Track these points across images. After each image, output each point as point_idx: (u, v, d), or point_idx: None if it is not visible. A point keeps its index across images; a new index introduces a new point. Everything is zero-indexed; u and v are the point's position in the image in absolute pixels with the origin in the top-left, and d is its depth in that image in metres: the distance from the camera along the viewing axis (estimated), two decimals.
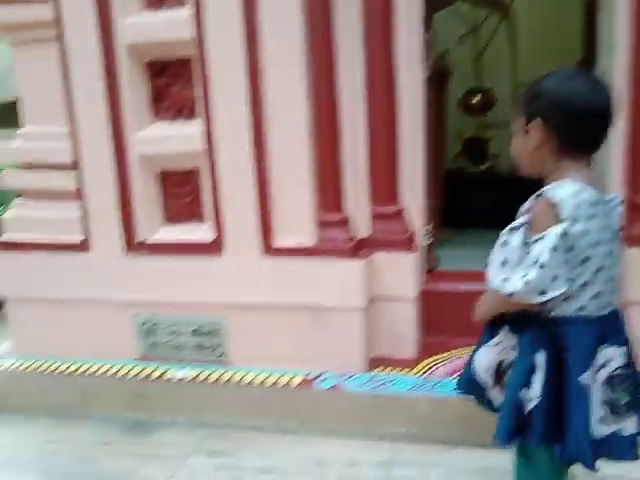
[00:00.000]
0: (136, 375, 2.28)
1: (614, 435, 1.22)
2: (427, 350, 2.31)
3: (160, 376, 2.26)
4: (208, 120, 2.10)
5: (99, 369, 2.34)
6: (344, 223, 2.15)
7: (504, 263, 1.21)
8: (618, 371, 1.22)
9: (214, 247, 2.20)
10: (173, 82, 2.16)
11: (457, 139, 4.39)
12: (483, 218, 3.46)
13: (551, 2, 4.02)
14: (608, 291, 1.23)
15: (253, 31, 2.01)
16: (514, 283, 1.17)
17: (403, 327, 2.24)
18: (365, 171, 2.19)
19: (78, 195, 2.27)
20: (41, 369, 2.37)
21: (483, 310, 1.37)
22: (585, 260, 1.18)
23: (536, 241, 1.16)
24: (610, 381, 1.21)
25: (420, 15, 2.12)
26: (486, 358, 1.38)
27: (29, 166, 2.34)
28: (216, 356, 2.30)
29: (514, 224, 1.23)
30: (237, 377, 2.21)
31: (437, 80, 2.59)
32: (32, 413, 2.34)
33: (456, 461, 1.94)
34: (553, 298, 1.16)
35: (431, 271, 2.51)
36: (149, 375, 2.27)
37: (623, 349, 1.24)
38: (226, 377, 2.22)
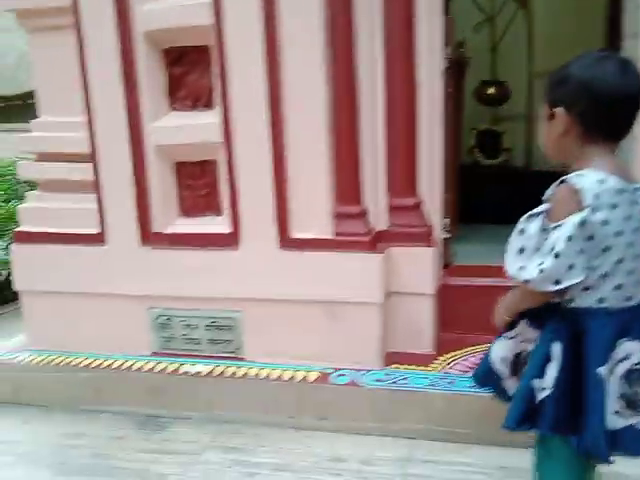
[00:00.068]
0: (151, 369, 2.26)
1: (630, 428, 1.20)
2: (444, 346, 2.28)
3: (175, 371, 2.24)
4: (225, 110, 2.07)
5: (113, 363, 2.32)
6: (362, 215, 2.12)
7: (521, 251, 1.19)
8: (638, 366, 1.19)
9: (230, 240, 2.17)
10: (190, 70, 2.13)
11: (470, 132, 4.33)
12: (497, 214, 3.42)
13: None
14: (631, 283, 1.20)
15: (272, 17, 1.97)
16: (530, 271, 1.15)
17: (420, 323, 2.21)
18: (383, 162, 2.15)
19: (94, 187, 2.25)
20: (55, 363, 2.36)
21: (504, 308, 1.33)
22: (606, 250, 1.15)
23: (554, 229, 1.14)
24: (629, 375, 1.19)
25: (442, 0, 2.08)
26: (502, 349, 1.38)
27: (44, 157, 2.31)
28: (231, 351, 2.27)
29: (533, 211, 1.20)
30: (252, 372, 2.19)
31: (455, 70, 2.53)
32: (46, 407, 2.34)
33: (474, 459, 1.90)
34: (568, 287, 1.14)
35: (448, 266, 2.47)
36: (164, 369, 2.25)
37: None
38: (241, 372, 2.19)
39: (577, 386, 1.18)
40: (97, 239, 2.29)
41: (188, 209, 2.27)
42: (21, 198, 4.29)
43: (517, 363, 1.35)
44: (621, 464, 1.27)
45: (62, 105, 2.26)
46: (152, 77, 2.13)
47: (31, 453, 2.06)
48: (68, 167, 2.29)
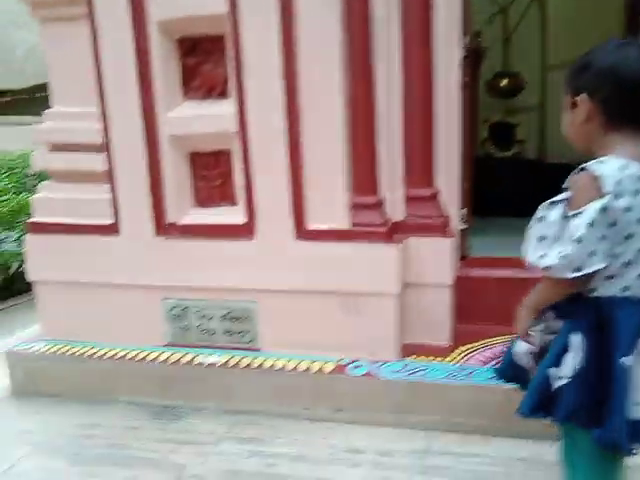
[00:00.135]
0: (165, 360, 2.26)
1: None
2: (461, 338, 2.26)
3: (189, 361, 2.23)
4: (240, 99, 2.05)
5: (128, 354, 2.32)
6: (378, 206, 2.10)
7: (541, 238, 1.17)
8: None
9: (245, 230, 2.15)
10: (204, 60, 2.11)
11: (483, 124, 4.30)
12: (509, 206, 3.40)
13: None
14: None
15: (288, 5, 1.95)
16: (551, 258, 1.13)
17: (438, 314, 2.19)
18: (400, 152, 2.12)
19: (107, 177, 2.24)
20: (70, 353, 2.36)
21: (528, 308, 1.31)
22: (628, 237, 1.13)
23: (575, 216, 1.11)
24: None
25: None
26: (528, 335, 1.34)
27: (57, 147, 2.30)
28: (246, 342, 2.26)
29: (554, 199, 1.18)
30: (268, 363, 2.18)
31: (472, 60, 2.50)
32: (61, 397, 2.34)
33: (492, 451, 1.89)
34: (590, 275, 1.12)
35: (464, 257, 2.45)
36: (178, 360, 2.24)
37: None
38: (257, 363, 2.18)
39: (599, 377, 1.16)
40: (111, 230, 2.28)
41: (202, 199, 2.25)
42: (30, 190, 4.32)
43: (543, 356, 1.33)
44: None
45: (75, 95, 2.25)
46: (166, 67, 2.12)
47: (46, 443, 2.06)
48: (81, 157, 2.28)
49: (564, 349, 1.19)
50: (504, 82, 4.15)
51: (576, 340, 1.18)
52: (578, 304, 1.20)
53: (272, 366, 2.16)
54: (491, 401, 1.94)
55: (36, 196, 2.43)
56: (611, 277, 1.15)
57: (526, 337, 1.30)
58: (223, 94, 2.12)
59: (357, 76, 2.00)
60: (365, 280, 2.09)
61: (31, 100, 8.32)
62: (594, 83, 1.16)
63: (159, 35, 2.07)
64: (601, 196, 1.09)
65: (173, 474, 1.85)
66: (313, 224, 2.11)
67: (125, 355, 2.31)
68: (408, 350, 2.18)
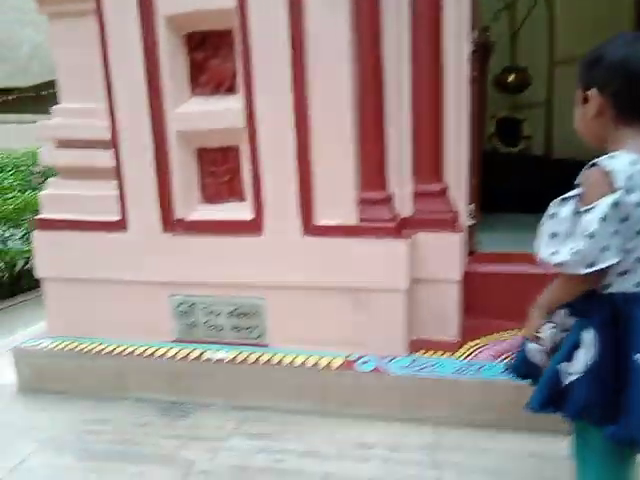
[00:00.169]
0: (173, 356, 2.25)
1: None
2: (469, 333, 2.25)
3: (197, 357, 2.23)
4: (248, 95, 2.04)
5: (135, 350, 2.31)
6: (387, 201, 2.09)
7: (553, 235, 1.16)
8: None
9: (253, 226, 2.15)
10: (212, 55, 2.11)
11: (490, 119, 4.28)
12: (516, 202, 3.39)
13: None
14: None
15: (297, 0, 1.94)
16: (563, 254, 1.12)
17: (446, 309, 2.18)
18: (408, 147, 2.11)
19: (115, 173, 2.23)
20: (77, 350, 2.36)
21: (541, 308, 1.30)
22: None
23: (586, 211, 1.11)
24: None
25: None
26: (541, 334, 1.33)
27: (64, 144, 2.30)
28: (254, 337, 2.26)
29: (565, 195, 1.17)
30: (276, 359, 2.17)
31: (480, 55, 2.49)
32: (68, 394, 2.34)
33: (503, 446, 1.88)
34: (602, 270, 1.11)
35: (472, 253, 2.44)
36: (186, 356, 2.24)
37: None
38: (265, 359, 2.18)
39: (613, 373, 1.15)
40: (118, 226, 2.28)
41: (210, 196, 2.25)
42: (35, 188, 4.33)
43: (555, 351, 1.32)
44: None
45: (83, 92, 2.25)
46: (174, 62, 2.11)
47: (54, 439, 2.06)
48: (89, 154, 2.28)
49: (576, 345, 1.18)
50: (511, 77, 4.13)
51: (588, 336, 1.17)
52: (592, 301, 1.19)
53: (280, 362, 2.16)
54: (500, 396, 1.94)
55: (43, 193, 2.43)
56: (624, 273, 1.14)
57: (536, 339, 1.29)
58: (231, 89, 2.12)
59: (366, 71, 1.99)
60: (373, 276, 2.08)
61: (37, 98, 8.37)
62: (605, 77, 1.15)
63: (167, 30, 2.06)
64: (613, 191, 1.09)
65: (182, 470, 1.84)
66: (321, 220, 2.10)
67: (133, 351, 2.31)
68: (416, 345, 2.17)
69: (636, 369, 1.12)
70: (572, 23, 3.96)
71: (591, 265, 1.10)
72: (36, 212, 3.87)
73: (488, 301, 2.30)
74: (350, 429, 2.02)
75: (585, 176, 1.15)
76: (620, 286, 1.15)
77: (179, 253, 2.23)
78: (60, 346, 2.39)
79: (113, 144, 2.21)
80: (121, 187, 2.24)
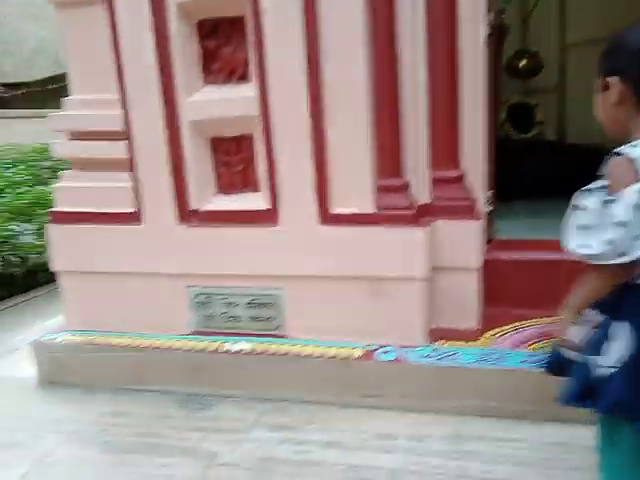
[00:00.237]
0: (192, 348, 2.24)
1: None
2: (489, 321, 2.23)
3: (216, 349, 2.22)
4: (262, 82, 2.01)
5: (153, 342, 2.30)
6: (404, 189, 2.06)
7: (582, 227, 1.13)
8: None
9: (269, 216, 2.13)
10: (224, 43, 2.07)
11: (502, 105, 4.23)
12: (529, 189, 3.34)
13: None
14: None
15: None
16: (593, 246, 1.09)
17: (466, 298, 2.16)
18: (425, 134, 2.08)
19: (129, 165, 2.21)
20: (95, 343, 2.35)
21: (572, 306, 1.26)
22: None
23: (614, 201, 1.08)
24: None
25: None
26: (572, 335, 1.30)
27: (77, 136, 2.28)
28: (272, 328, 2.24)
29: (590, 186, 1.14)
30: (295, 350, 2.16)
31: (496, 38, 2.44)
32: (87, 387, 2.34)
33: (527, 435, 1.86)
34: (635, 260, 1.07)
35: (490, 240, 2.41)
36: (204, 348, 2.23)
37: None
38: (284, 350, 2.17)
39: None
40: (133, 218, 2.27)
41: (225, 186, 2.23)
42: (45, 183, 4.33)
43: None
44: None
45: (94, 82, 2.22)
46: (186, 51, 2.08)
47: (76, 432, 2.06)
48: (102, 145, 2.26)
49: (606, 337, 1.16)
50: (523, 62, 4.06)
51: (622, 329, 1.14)
52: (624, 294, 1.16)
53: (299, 353, 2.14)
54: (524, 385, 1.91)
55: (57, 185, 2.42)
56: None
57: (569, 343, 1.25)
58: (244, 77, 2.09)
59: (382, 56, 1.95)
60: (392, 264, 2.05)
61: (43, 93, 8.36)
62: (626, 64, 1.13)
63: (178, 18, 2.03)
64: (638, 179, 1.06)
65: (204, 462, 1.84)
66: (338, 208, 2.08)
67: (151, 344, 2.30)
68: (436, 334, 2.15)
69: None
70: (584, 5, 3.89)
71: (622, 255, 1.07)
72: (47, 207, 3.89)
73: (508, 288, 2.27)
74: (371, 420, 2.00)
75: (610, 166, 1.12)
76: None
77: (195, 244, 2.21)
78: (78, 339, 2.39)
79: (126, 135, 2.19)
80: (135, 178, 2.22)
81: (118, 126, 2.19)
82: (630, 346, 1.12)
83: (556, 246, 2.27)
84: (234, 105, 2.08)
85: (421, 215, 2.09)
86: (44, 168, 4.61)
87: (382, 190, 2.06)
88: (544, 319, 2.19)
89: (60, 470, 1.85)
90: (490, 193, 2.32)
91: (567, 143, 4.17)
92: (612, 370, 1.13)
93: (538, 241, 2.42)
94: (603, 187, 1.12)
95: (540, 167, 3.71)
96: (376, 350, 2.11)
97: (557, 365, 1.35)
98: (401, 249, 2.04)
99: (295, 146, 2.04)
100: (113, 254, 2.31)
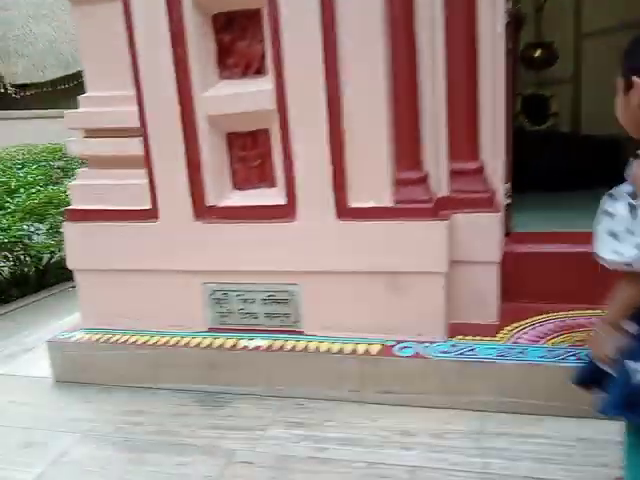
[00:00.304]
0: (208, 345, 2.23)
1: None
2: (507, 316, 2.19)
3: (233, 346, 2.20)
4: (278, 76, 1.98)
5: (170, 340, 2.29)
6: (423, 181, 2.03)
7: (612, 233, 1.09)
8: None
9: (286, 211, 2.10)
10: (240, 36, 2.05)
11: (516, 97, 4.17)
12: (544, 181, 3.30)
13: None
14: None
15: None
16: (627, 253, 1.06)
17: (485, 292, 2.12)
18: (444, 125, 2.04)
19: (145, 161, 2.20)
20: (112, 341, 2.35)
21: (611, 316, 1.22)
22: None
23: None
24: None
25: None
26: (609, 348, 1.25)
27: (91, 133, 2.27)
28: (289, 324, 2.22)
29: (614, 190, 1.11)
30: (312, 346, 2.13)
31: (513, 27, 2.40)
32: (104, 385, 2.34)
33: (549, 431, 1.83)
34: None
35: (508, 234, 2.37)
36: (221, 345, 2.21)
37: None
38: (301, 346, 2.14)
39: None
40: (149, 215, 2.25)
41: (241, 181, 2.20)
42: (56, 183, 4.34)
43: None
44: None
45: (109, 79, 2.21)
46: (201, 45, 2.06)
47: (94, 431, 2.05)
48: (117, 142, 2.25)
49: None
50: (537, 53, 4.01)
51: None
52: None
53: (317, 349, 2.12)
54: (545, 380, 1.88)
55: (73, 183, 2.41)
56: None
57: (606, 356, 1.21)
58: (260, 71, 2.06)
59: (400, 47, 1.92)
60: (411, 259, 2.02)
61: (54, 93, 8.39)
62: None
63: (193, 11, 2.00)
64: None
65: (224, 460, 1.82)
66: (356, 202, 2.05)
67: (167, 341, 2.29)
68: (454, 330, 2.12)
69: None
70: None
71: None
72: (59, 207, 3.91)
73: (527, 282, 2.24)
74: (391, 417, 1.97)
75: (635, 169, 1.08)
76: None
77: (211, 240, 2.19)
78: (94, 338, 2.39)
79: (142, 131, 2.17)
80: (151, 175, 2.21)
81: (133, 123, 2.17)
82: None
83: (576, 238, 2.26)
84: (250, 99, 2.05)
85: (440, 208, 2.05)
86: (55, 168, 4.62)
87: (401, 183, 2.03)
88: (563, 313, 2.16)
89: (76, 469, 1.84)
90: (508, 185, 2.28)
91: (582, 134, 4.12)
92: None
93: (557, 233, 2.38)
94: (629, 193, 1.08)
95: (555, 159, 3.66)
96: (394, 346, 2.08)
97: (590, 378, 1.31)
98: (420, 243, 2.01)
99: (312, 140, 2.02)
100: (129, 251, 2.30)
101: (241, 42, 2.05)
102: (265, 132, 2.11)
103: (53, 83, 8.51)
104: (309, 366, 2.11)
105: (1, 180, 3.99)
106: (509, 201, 2.31)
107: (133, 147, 2.20)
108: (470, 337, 2.10)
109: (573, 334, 2.06)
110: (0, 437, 2.06)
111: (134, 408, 2.17)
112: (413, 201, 2.00)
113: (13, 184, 3.98)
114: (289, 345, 2.16)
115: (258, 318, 2.25)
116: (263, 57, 2.04)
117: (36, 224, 4.01)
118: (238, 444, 1.90)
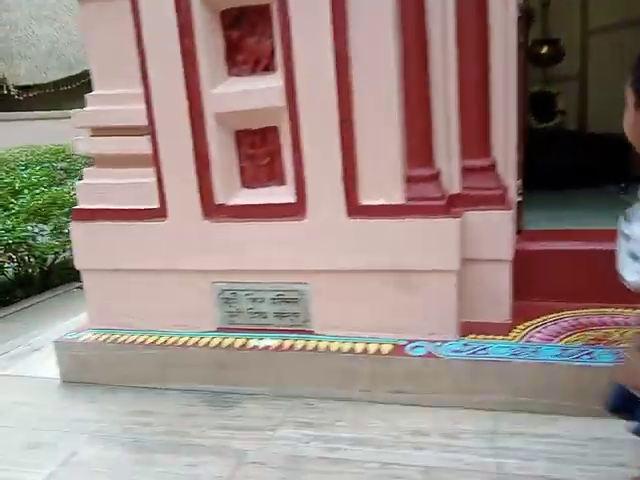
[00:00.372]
0: (217, 345, 2.20)
1: None
2: (519, 314, 2.17)
3: (242, 346, 2.18)
4: (288, 73, 1.96)
5: (178, 340, 2.27)
6: (435, 178, 2.00)
7: (632, 255, 1.07)
8: None
9: (295, 210, 2.08)
10: (249, 33, 2.02)
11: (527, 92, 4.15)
12: (551, 179, 3.27)
13: None
14: None
15: None
16: None
17: (497, 290, 2.09)
18: (455, 121, 2.02)
19: (152, 160, 2.18)
20: (119, 341, 2.33)
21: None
22: None
23: None
24: None
25: None
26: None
27: (100, 132, 2.25)
28: (299, 324, 2.20)
29: (629, 212, 1.09)
30: (322, 345, 2.11)
31: (523, 22, 2.37)
32: (112, 385, 2.31)
33: (563, 430, 1.80)
34: None
35: (520, 231, 2.35)
36: (230, 345, 2.19)
37: None
38: (311, 345, 2.12)
39: None
40: (158, 214, 2.23)
41: (250, 179, 2.18)
42: (60, 184, 4.33)
43: None
44: None
45: (117, 77, 2.19)
46: (209, 42, 2.04)
47: (102, 431, 2.03)
48: (125, 140, 2.23)
49: None
50: (544, 49, 3.98)
51: None
52: None
53: (327, 348, 2.10)
54: (559, 379, 1.86)
55: (80, 183, 2.39)
56: None
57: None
58: (269, 68, 2.04)
59: (411, 42, 1.90)
60: (423, 257, 2.00)
61: (57, 94, 8.39)
62: None
63: (202, 7, 1.98)
64: None
65: (234, 460, 1.80)
66: (366, 200, 2.03)
67: (175, 341, 2.27)
68: (466, 328, 2.09)
69: None
70: None
71: None
72: (63, 207, 3.90)
73: (539, 280, 2.22)
74: (403, 416, 1.95)
75: None
76: None
77: (220, 239, 2.17)
78: (101, 338, 2.37)
79: (150, 129, 2.15)
80: (159, 174, 2.19)
81: (141, 121, 2.15)
82: None
83: (588, 236, 2.23)
84: (259, 96, 2.03)
85: (452, 205, 2.03)
86: (58, 169, 4.61)
87: (412, 180, 2.01)
88: (576, 311, 2.14)
89: (86, 470, 1.82)
90: (520, 182, 2.26)
91: (588, 132, 4.09)
92: None
93: (569, 231, 2.36)
94: None
95: (562, 157, 3.64)
96: (406, 345, 2.06)
97: (623, 405, 1.28)
98: (432, 241, 1.99)
99: (322, 137, 2.00)
100: (137, 251, 2.28)
101: (250, 38, 2.03)
102: (274, 130, 2.09)
103: (56, 84, 8.52)
104: (319, 366, 2.09)
105: (5, 181, 3.98)
106: (520, 198, 2.29)
107: (141, 145, 2.18)
108: (482, 336, 2.08)
109: (587, 332, 2.04)
110: (8, 438, 2.04)
111: (142, 408, 2.15)
112: (425, 198, 1.98)
113: (17, 185, 3.97)
114: (299, 345, 2.14)
115: (267, 317, 2.23)
116: (272, 54, 2.02)
117: (40, 225, 4.00)
118: (248, 444, 1.87)
